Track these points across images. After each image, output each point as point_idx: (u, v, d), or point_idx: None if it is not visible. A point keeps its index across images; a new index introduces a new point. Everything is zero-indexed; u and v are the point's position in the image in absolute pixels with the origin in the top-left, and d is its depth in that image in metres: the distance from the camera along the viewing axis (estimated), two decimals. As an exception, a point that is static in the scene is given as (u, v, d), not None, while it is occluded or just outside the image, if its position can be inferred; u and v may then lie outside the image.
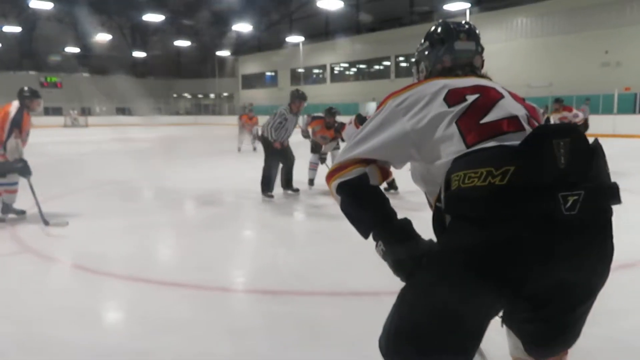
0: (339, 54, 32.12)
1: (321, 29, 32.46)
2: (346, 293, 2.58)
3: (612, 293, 2.94)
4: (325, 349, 2.27)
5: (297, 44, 33.05)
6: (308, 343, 2.32)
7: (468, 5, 22.52)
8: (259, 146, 12.71)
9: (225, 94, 42.11)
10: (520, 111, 1.23)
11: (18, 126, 4.47)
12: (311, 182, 6.81)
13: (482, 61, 1.50)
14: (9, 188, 4.68)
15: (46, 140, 18.59)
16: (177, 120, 36.34)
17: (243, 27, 31.00)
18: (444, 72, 1.42)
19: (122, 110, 39.02)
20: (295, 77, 34.92)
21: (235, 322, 2.64)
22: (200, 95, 43.64)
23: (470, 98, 1.23)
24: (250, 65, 39.69)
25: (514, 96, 1.32)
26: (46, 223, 4.50)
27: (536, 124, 1.23)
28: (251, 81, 39.88)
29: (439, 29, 1.48)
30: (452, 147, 1.17)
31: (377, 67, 30.92)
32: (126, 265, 3.60)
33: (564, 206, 1.02)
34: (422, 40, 1.52)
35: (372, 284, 3.04)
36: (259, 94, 37.82)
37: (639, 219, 4.90)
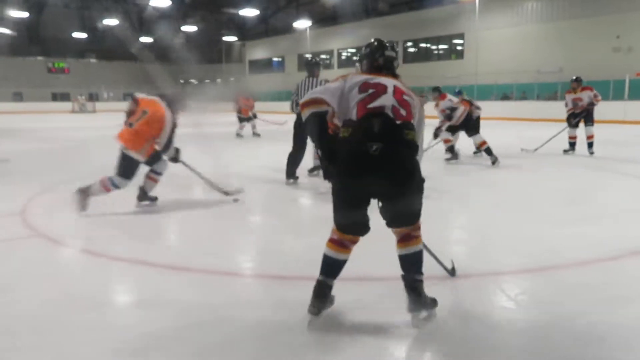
0: (346, 39, 31.83)
1: (329, 14, 32.11)
2: (353, 278, 2.58)
3: (623, 280, 2.95)
4: (333, 333, 2.29)
5: (304, 29, 32.78)
6: (315, 327, 2.33)
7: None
8: (260, 131, 12.71)
9: (232, 80, 41.98)
10: (388, 102, 2.21)
11: (174, 130, 4.66)
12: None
13: (397, 64, 2.45)
14: (154, 176, 4.77)
15: (54, 125, 18.70)
16: (184, 106, 36.33)
17: (250, 11, 30.76)
18: (377, 68, 2.39)
19: (130, 96, 39.07)
20: (302, 63, 34.71)
21: (243, 306, 2.66)
22: (207, 81, 43.54)
23: (370, 91, 2.22)
24: (258, 51, 39.49)
25: (396, 91, 2.26)
26: (226, 194, 4.99)
27: (398, 109, 2.21)
28: (258, 67, 39.71)
29: (376, 43, 2.44)
30: (351, 117, 2.23)
31: (385, 52, 30.62)
32: (134, 249, 3.63)
33: (371, 149, 2.11)
34: (364, 48, 2.46)
35: (379, 269, 3.05)
36: (266, 80, 37.69)
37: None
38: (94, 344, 2.24)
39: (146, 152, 4.51)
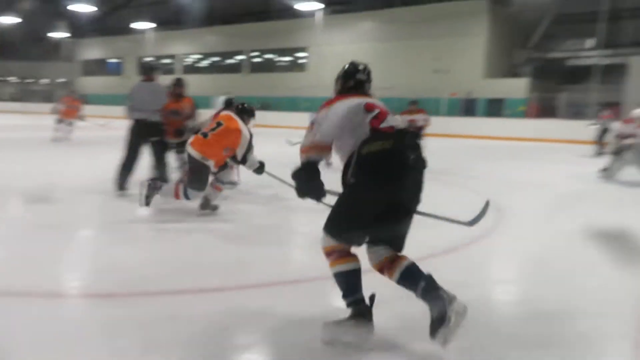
0: (191, 44, 31.05)
1: (172, 17, 30.96)
2: (195, 291, 2.50)
3: (447, 272, 3.30)
4: (168, 351, 2.18)
5: (145, 31, 31.19)
6: (149, 346, 2.20)
7: (321, 5, 23.36)
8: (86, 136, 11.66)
9: (62, 80, 38.03)
10: (395, 122, 2.41)
11: (251, 143, 4.72)
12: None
13: (369, 86, 2.64)
14: (219, 185, 4.85)
15: None
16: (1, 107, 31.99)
17: (83, 7, 28.22)
18: (350, 89, 2.59)
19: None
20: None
21: (70, 329, 2.40)
22: (29, 80, 38.85)
23: (376, 110, 2.39)
24: (92, 50, 36.42)
25: (390, 113, 2.48)
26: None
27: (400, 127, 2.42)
28: (93, 67, 36.61)
29: (350, 66, 2.69)
30: (364, 135, 2.30)
31: (230, 60, 30.55)
32: None
33: (409, 158, 2.26)
34: (342, 71, 2.69)
35: (217, 280, 3.00)
36: (102, 82, 34.93)
37: (459, 206, 5.55)
38: None
39: (218, 162, 4.64)
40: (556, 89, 20.53)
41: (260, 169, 4.88)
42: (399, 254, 2.35)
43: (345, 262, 2.28)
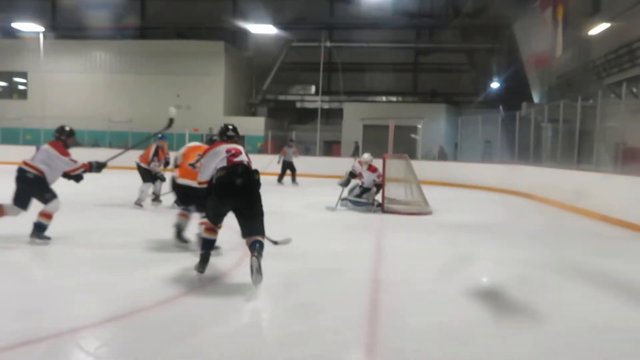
0: None
1: None
2: None
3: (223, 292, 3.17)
4: None
5: None
6: None
7: (42, 29, 20.89)
8: None
9: None
10: (244, 159, 3.98)
11: None
12: None
13: (237, 138, 4.23)
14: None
15: None
16: None
17: None
18: (227, 139, 4.20)
19: None
20: None
21: None
22: None
23: (233, 151, 3.98)
24: None
25: (245, 153, 4.05)
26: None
27: (249, 162, 3.99)
28: None
29: (223, 127, 4.27)
30: (222, 165, 3.91)
31: None
32: None
33: (236, 181, 3.83)
34: (218, 130, 4.30)
35: None
36: None
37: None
38: None
39: None
40: (289, 127, 22.70)
41: None
42: (249, 237, 3.81)
43: (209, 234, 3.88)
